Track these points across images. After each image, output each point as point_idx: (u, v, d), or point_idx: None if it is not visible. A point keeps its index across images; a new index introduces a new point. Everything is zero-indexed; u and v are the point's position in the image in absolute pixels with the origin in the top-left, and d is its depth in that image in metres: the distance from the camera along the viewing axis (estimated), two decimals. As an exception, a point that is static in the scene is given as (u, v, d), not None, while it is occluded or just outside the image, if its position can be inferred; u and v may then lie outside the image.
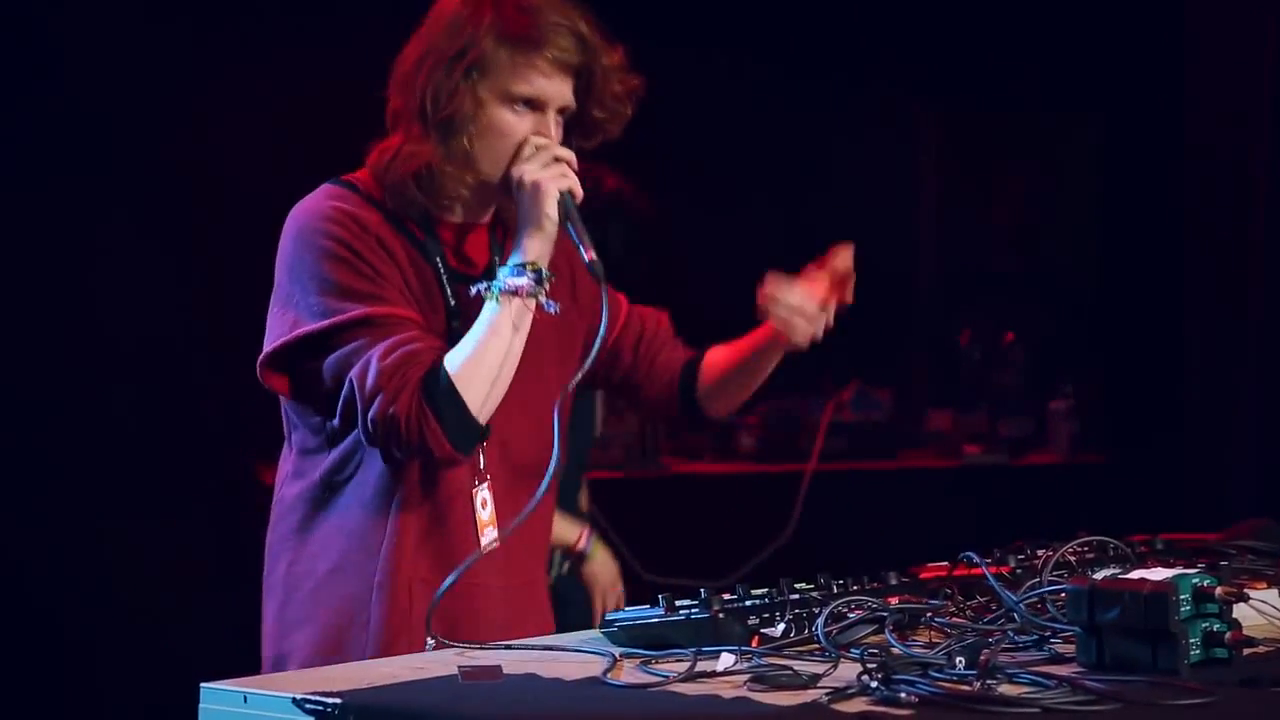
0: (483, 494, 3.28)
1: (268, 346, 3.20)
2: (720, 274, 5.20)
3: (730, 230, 7.33)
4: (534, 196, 3.18)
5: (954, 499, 7.34)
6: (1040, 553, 3.12)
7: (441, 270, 3.29)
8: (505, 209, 3.33)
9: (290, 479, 3.31)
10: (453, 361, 3.11)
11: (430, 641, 3.02)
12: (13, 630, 6.02)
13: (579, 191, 3.22)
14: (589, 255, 3.18)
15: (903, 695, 2.29)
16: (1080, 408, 7.89)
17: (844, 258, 3.44)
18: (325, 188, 3.29)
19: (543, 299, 3.17)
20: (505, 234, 3.33)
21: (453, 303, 3.27)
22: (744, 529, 4.82)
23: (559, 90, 3.26)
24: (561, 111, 3.28)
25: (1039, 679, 2.36)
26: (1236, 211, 7.26)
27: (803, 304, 3.38)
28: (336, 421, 3.17)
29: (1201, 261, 7.56)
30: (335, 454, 3.24)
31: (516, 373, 3.19)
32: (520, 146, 3.23)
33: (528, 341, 3.20)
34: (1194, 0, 7.56)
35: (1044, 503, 7.34)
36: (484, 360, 3.12)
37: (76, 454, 6.23)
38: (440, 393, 3.08)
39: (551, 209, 3.18)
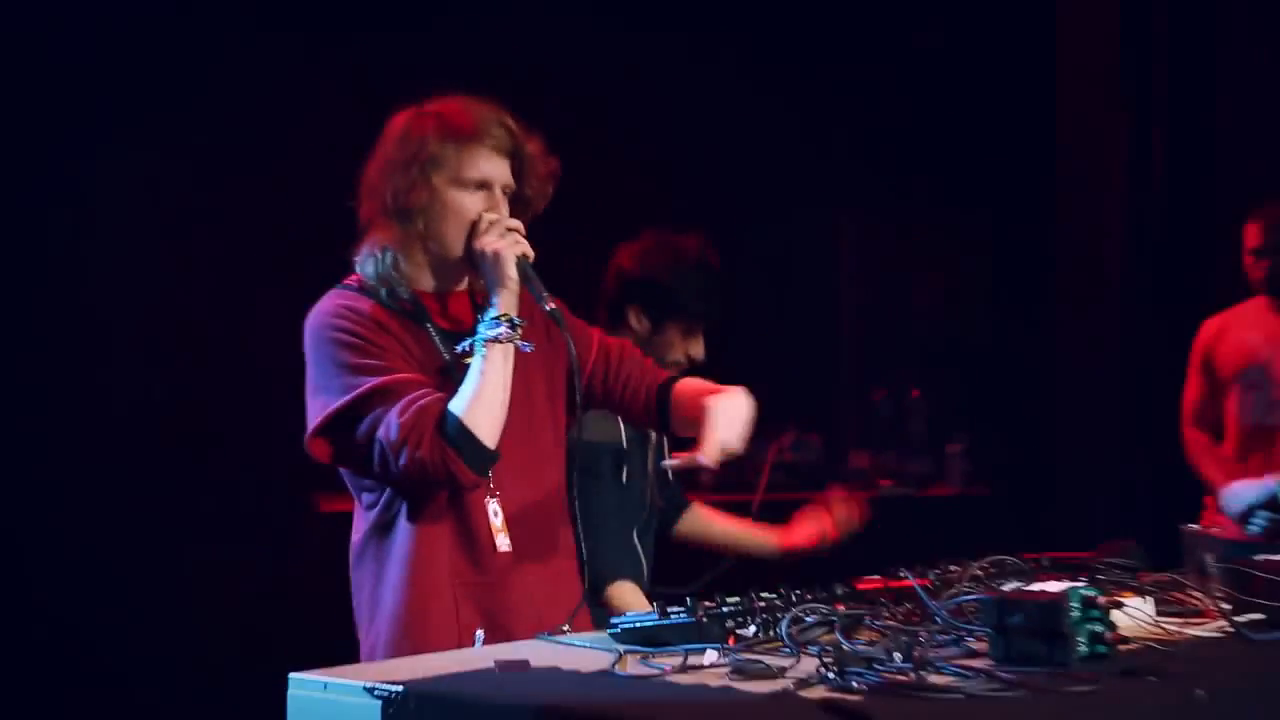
0: (494, 506, 3.26)
1: (309, 428, 3.20)
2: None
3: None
4: (496, 263, 3.19)
5: (871, 523, 7.14)
6: (954, 569, 3.15)
7: (433, 333, 3.29)
8: (473, 278, 3.34)
9: (360, 524, 3.31)
10: (458, 405, 3.10)
11: (480, 634, 3.10)
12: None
13: (530, 254, 3.21)
14: (549, 305, 3.20)
15: (854, 684, 2.31)
16: (971, 450, 7.88)
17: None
18: (330, 293, 3.30)
19: (518, 342, 3.18)
20: (482, 297, 3.32)
21: (447, 358, 3.26)
22: (703, 548, 4.63)
23: (500, 171, 3.29)
24: (505, 190, 3.30)
25: (960, 670, 2.38)
26: (1097, 291, 7.27)
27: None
28: (376, 474, 3.16)
29: (1071, 331, 7.60)
30: (382, 502, 3.24)
31: (513, 404, 3.19)
32: (476, 224, 3.24)
33: (518, 378, 3.21)
34: (1063, 124, 7.61)
35: (943, 527, 7.26)
36: (483, 399, 3.12)
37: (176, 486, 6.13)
38: (454, 432, 3.08)
39: (512, 271, 3.18)
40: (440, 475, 3.09)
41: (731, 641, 2.67)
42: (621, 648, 2.72)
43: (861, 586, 3.04)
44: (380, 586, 3.23)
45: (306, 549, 6.12)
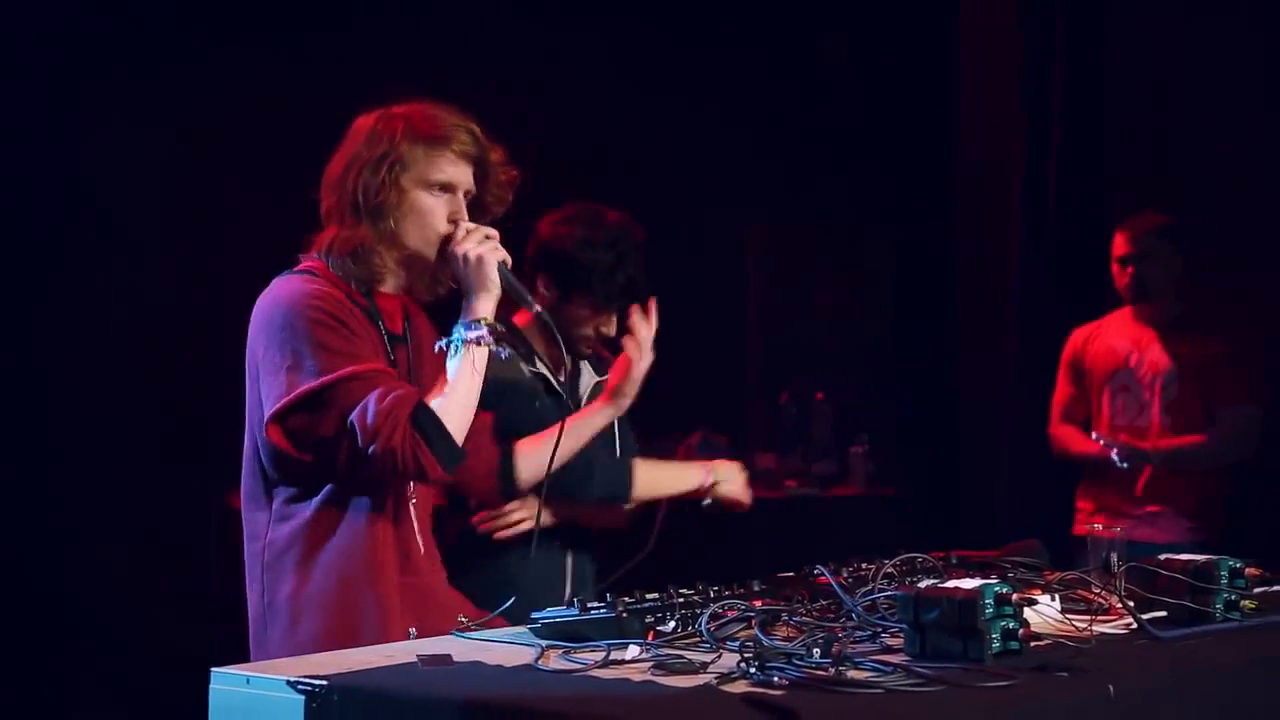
0: (413, 510, 3.30)
1: (272, 407, 3.13)
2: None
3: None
4: (478, 267, 3.21)
5: (778, 523, 7.18)
6: (866, 566, 3.15)
7: (384, 332, 3.30)
8: (414, 283, 3.36)
9: (275, 522, 3.21)
10: (436, 403, 3.12)
11: (412, 631, 3.09)
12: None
13: (509, 260, 3.25)
14: (536, 308, 3.32)
15: (775, 679, 2.30)
16: (874, 451, 7.90)
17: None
18: (292, 276, 3.25)
19: (494, 346, 3.21)
20: (418, 303, 3.39)
21: (392, 358, 3.27)
22: (614, 546, 4.39)
23: (464, 176, 3.31)
24: (466, 195, 3.32)
25: (878, 665, 2.38)
26: (997, 293, 7.25)
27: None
28: (338, 462, 3.10)
29: (970, 340, 7.63)
30: (322, 496, 3.17)
31: None
32: (454, 232, 3.25)
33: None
34: (964, 130, 7.64)
35: (848, 526, 7.28)
36: (457, 398, 3.15)
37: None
38: (429, 426, 3.08)
39: (494, 275, 3.21)
40: (410, 467, 3.08)
41: (651, 637, 2.65)
42: (543, 643, 2.69)
43: (778, 583, 3.03)
44: (319, 583, 3.17)
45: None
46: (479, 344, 3.17)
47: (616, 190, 6.88)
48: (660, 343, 3.89)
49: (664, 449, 6.99)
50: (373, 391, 3.07)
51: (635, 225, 4.14)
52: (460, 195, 3.30)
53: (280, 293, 3.21)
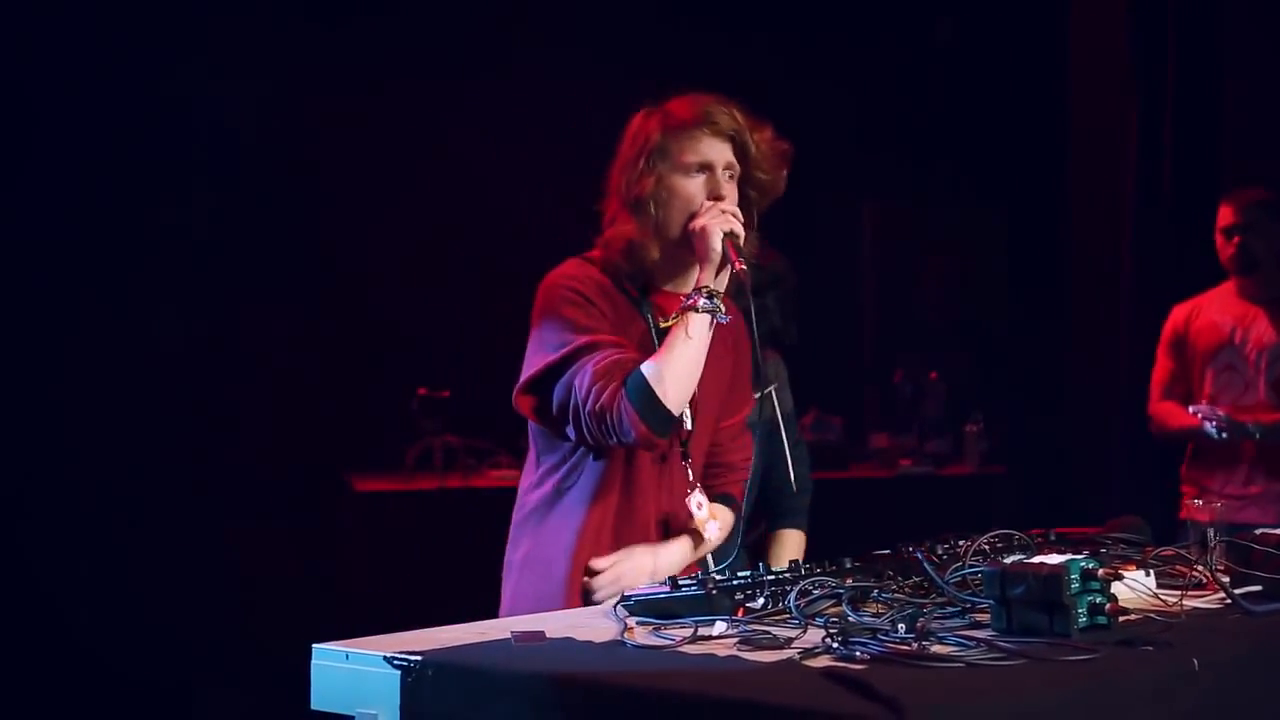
0: (697, 498, 3.35)
1: (522, 379, 3.23)
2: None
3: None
4: (701, 238, 3.17)
5: (891, 501, 7.31)
6: (961, 543, 3.10)
7: (652, 326, 3.30)
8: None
9: (532, 488, 3.34)
10: (649, 365, 3.10)
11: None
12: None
13: (740, 231, 3.17)
14: (738, 265, 3.14)
15: (858, 654, 2.29)
16: (988, 430, 7.85)
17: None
18: (571, 259, 3.34)
19: (719, 315, 3.16)
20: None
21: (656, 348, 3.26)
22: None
23: (719, 152, 3.26)
24: (728, 171, 3.28)
25: (963, 640, 2.36)
26: (1110, 274, 7.21)
27: None
28: (569, 426, 3.18)
29: (1082, 319, 7.56)
30: (566, 467, 3.28)
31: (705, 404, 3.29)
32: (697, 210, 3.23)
33: (709, 383, 3.26)
34: (1077, 114, 7.58)
35: (961, 504, 7.34)
36: (673, 363, 3.10)
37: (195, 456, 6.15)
38: (637, 387, 3.07)
39: (717, 244, 3.15)
40: (618, 424, 3.09)
41: (740, 613, 2.64)
42: (634, 620, 2.70)
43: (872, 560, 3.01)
44: (545, 549, 3.28)
45: (343, 529, 6.23)
46: (698, 311, 3.12)
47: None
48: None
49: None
50: (595, 355, 3.13)
51: (788, 269, 4.18)
52: (721, 172, 3.26)
53: (549, 275, 3.30)
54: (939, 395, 8.03)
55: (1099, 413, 7.32)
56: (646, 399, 3.07)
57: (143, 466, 5.99)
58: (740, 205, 3.25)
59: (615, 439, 3.13)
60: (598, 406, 3.08)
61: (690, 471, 3.34)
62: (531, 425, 3.32)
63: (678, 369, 3.10)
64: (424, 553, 6.06)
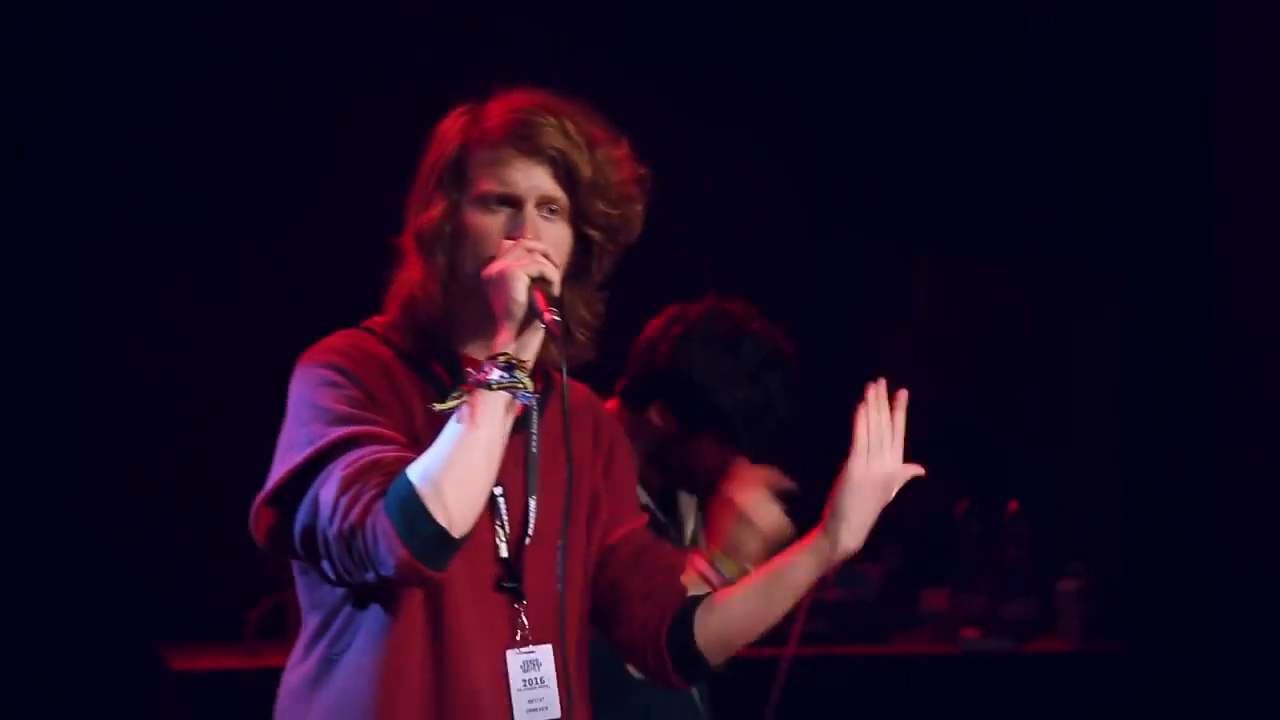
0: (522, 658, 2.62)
1: (262, 491, 2.58)
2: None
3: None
4: (499, 284, 2.51)
5: (952, 689, 6.09)
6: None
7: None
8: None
9: (296, 663, 2.67)
10: (416, 464, 2.42)
11: None
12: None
13: (553, 277, 2.51)
14: (548, 317, 2.48)
15: None
16: (1093, 587, 6.41)
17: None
18: (337, 331, 2.72)
19: (520, 392, 2.47)
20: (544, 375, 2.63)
21: None
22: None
23: (532, 180, 2.62)
24: (547, 206, 2.62)
25: None
26: (1272, 361, 5.96)
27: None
28: (322, 560, 2.50)
29: (1235, 420, 6.14)
30: (337, 623, 2.57)
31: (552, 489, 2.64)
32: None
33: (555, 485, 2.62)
34: (1226, 128, 6.21)
35: (1053, 695, 5.98)
36: (452, 464, 2.42)
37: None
38: (399, 496, 2.39)
39: (520, 294, 2.48)
40: (369, 553, 2.40)
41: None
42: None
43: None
44: None
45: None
46: (489, 389, 2.45)
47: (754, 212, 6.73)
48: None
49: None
50: (347, 454, 2.50)
51: (778, 337, 3.68)
52: (530, 209, 2.61)
53: (307, 350, 2.68)
54: (1021, 535, 6.62)
55: (1262, 561, 5.84)
56: (410, 513, 2.40)
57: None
58: (578, 252, 2.65)
59: (372, 572, 2.45)
60: (345, 526, 2.43)
61: (525, 618, 2.58)
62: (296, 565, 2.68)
63: (457, 470, 2.45)
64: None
